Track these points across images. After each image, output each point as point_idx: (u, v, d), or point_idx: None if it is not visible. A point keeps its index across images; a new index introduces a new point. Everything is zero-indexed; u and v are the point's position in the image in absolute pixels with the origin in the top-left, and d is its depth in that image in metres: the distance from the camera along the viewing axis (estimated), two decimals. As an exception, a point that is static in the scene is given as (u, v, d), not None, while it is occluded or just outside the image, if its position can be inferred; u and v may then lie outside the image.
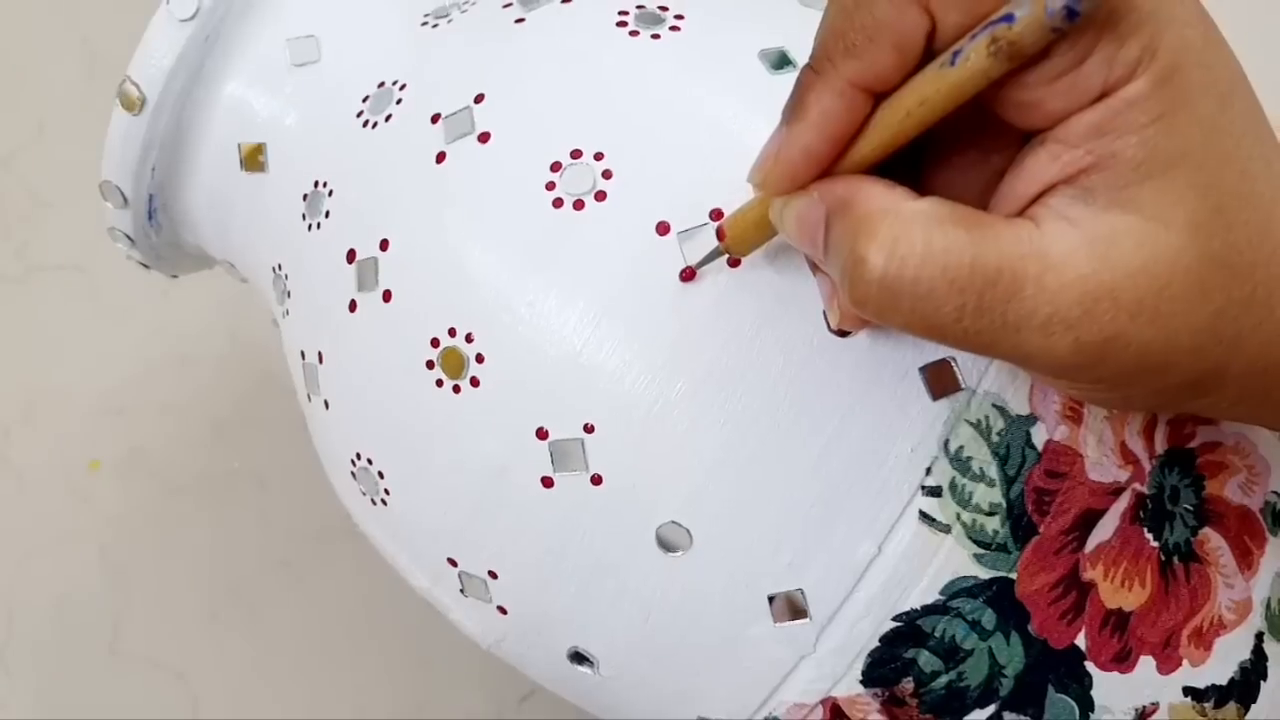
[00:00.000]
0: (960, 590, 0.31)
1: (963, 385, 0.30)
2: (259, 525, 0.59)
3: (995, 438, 0.30)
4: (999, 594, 0.31)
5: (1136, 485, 0.31)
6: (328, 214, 0.35)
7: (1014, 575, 0.31)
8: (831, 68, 0.25)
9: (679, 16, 0.34)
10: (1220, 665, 0.32)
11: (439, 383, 0.32)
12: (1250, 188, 0.25)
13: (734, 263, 0.30)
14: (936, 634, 0.31)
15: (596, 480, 0.31)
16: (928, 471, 0.30)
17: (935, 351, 0.30)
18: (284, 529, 0.59)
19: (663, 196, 0.31)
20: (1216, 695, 0.32)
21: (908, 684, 0.31)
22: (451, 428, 0.32)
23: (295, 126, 0.37)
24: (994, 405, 0.30)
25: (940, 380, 0.30)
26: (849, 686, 0.32)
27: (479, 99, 0.33)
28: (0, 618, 0.58)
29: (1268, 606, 0.33)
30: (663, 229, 0.31)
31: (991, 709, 0.31)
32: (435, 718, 0.56)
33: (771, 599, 0.31)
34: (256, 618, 0.58)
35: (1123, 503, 0.31)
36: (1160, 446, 0.32)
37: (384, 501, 0.35)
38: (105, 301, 0.64)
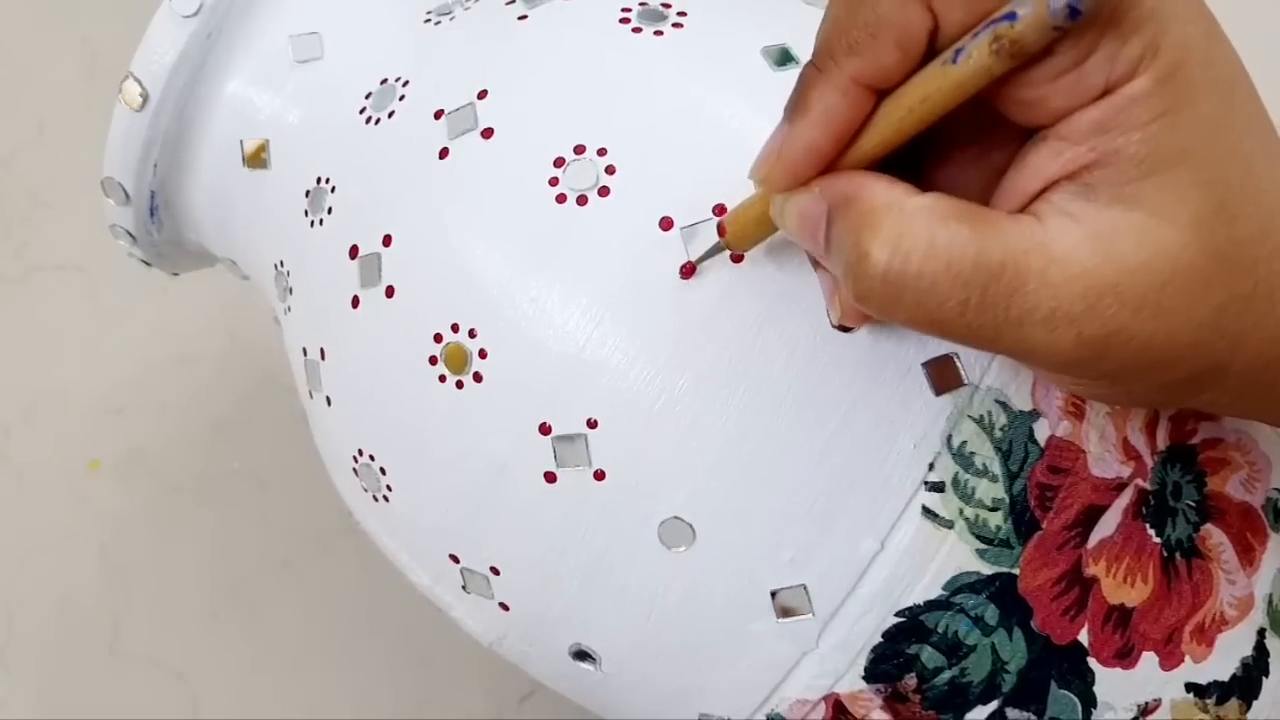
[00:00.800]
0: (963, 586, 0.31)
1: (965, 381, 0.30)
2: (259, 525, 0.59)
3: (998, 433, 0.30)
4: (1002, 590, 0.31)
5: (1139, 481, 0.32)
6: (330, 210, 0.35)
7: (1017, 571, 0.31)
8: (834, 65, 0.25)
9: (681, 14, 0.34)
10: (1222, 661, 0.32)
11: (442, 378, 0.32)
12: (1253, 184, 0.25)
13: (737, 259, 0.30)
14: (939, 630, 0.31)
15: (599, 476, 0.31)
16: (930, 467, 0.30)
17: (938, 347, 0.30)
18: (284, 529, 0.59)
19: (665, 193, 0.31)
20: (1219, 691, 0.32)
21: (910, 680, 0.31)
22: (454, 423, 0.32)
23: (298, 123, 0.37)
24: (997, 401, 0.30)
25: (943, 376, 0.30)
26: (851, 683, 0.31)
27: (482, 95, 0.33)
28: (0, 618, 0.58)
29: (1269, 603, 0.33)
30: (666, 225, 0.31)
31: (994, 705, 0.31)
32: (435, 718, 0.55)
33: (774, 595, 0.31)
34: (256, 618, 0.58)
35: (1125, 499, 0.31)
36: (1162, 442, 0.32)
37: (385, 498, 0.35)
38: (105, 301, 0.64)
